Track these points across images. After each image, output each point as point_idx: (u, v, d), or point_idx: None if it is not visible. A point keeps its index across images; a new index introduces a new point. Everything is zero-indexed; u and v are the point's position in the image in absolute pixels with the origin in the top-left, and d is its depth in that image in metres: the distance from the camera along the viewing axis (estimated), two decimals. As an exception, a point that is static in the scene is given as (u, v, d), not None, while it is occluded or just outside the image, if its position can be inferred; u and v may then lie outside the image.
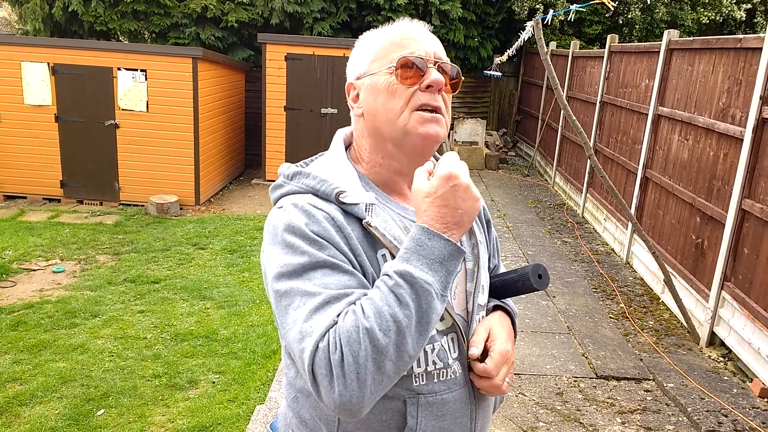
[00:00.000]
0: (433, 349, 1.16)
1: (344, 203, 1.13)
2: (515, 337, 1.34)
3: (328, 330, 0.99)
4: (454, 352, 1.20)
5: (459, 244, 1.05)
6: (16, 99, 7.59)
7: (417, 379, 1.16)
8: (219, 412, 3.52)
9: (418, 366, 1.16)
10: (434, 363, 1.17)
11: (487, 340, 1.22)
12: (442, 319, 1.18)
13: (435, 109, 1.17)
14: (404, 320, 0.98)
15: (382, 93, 1.19)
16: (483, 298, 1.29)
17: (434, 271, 1.02)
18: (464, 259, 1.26)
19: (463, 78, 1.25)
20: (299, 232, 1.09)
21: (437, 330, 1.18)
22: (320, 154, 1.31)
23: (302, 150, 9.02)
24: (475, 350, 1.19)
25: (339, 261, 1.07)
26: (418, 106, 1.16)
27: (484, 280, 1.30)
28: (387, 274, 1.02)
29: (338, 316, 1.00)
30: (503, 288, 1.35)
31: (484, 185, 9.76)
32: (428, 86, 1.16)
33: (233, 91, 9.53)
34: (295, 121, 9.09)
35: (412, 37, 1.21)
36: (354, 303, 1.02)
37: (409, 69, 1.17)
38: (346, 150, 1.30)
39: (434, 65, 1.18)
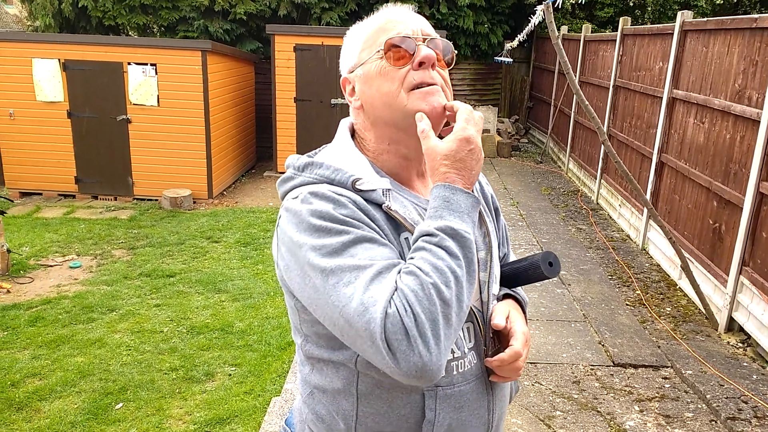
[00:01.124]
0: None
1: (361, 191, 1.12)
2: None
3: (392, 296, 0.97)
4: (470, 341, 1.19)
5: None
6: (29, 96, 7.64)
7: None
8: (235, 404, 3.55)
9: None
10: (452, 352, 1.16)
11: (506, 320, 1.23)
12: None
13: (432, 85, 1.15)
14: (459, 270, 1.01)
15: (376, 79, 1.17)
16: (496, 287, 1.27)
17: (466, 222, 1.06)
18: (477, 249, 1.23)
19: (456, 52, 1.23)
20: (328, 216, 1.06)
21: None
22: (324, 146, 1.29)
23: (313, 141, 9.00)
24: (500, 319, 1.20)
25: (377, 236, 1.07)
26: (414, 85, 1.14)
27: (497, 269, 1.28)
28: (428, 233, 1.04)
29: (395, 281, 0.99)
30: (514, 277, 1.33)
31: (496, 173, 9.70)
32: (420, 63, 1.14)
33: (243, 83, 9.53)
34: (306, 112, 9.07)
35: (396, 19, 1.19)
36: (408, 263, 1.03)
37: (398, 49, 1.15)
38: (354, 138, 1.28)
39: (423, 42, 1.16)
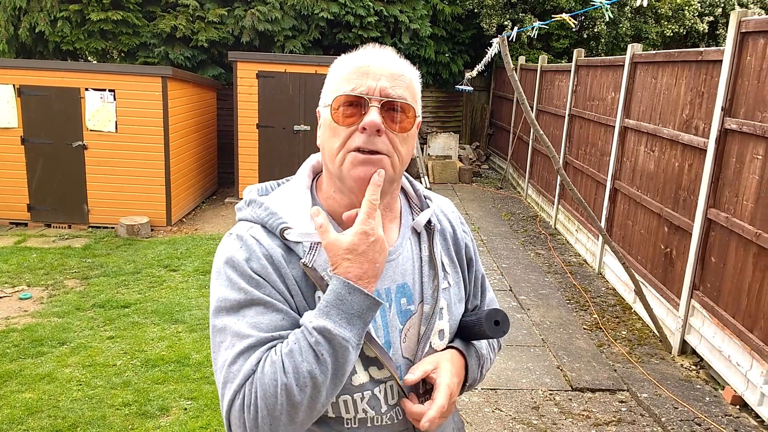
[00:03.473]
0: (363, 398, 1.15)
1: (287, 240, 1.12)
2: (469, 382, 1.29)
3: (246, 381, 1.02)
4: (392, 399, 1.18)
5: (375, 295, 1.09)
6: (-20, 122, 7.43)
7: (349, 422, 1.15)
8: (191, 439, 3.45)
9: (347, 412, 1.15)
10: (365, 411, 1.15)
11: (432, 372, 1.19)
12: (380, 367, 1.15)
13: (373, 153, 1.11)
14: (320, 376, 1.01)
15: (327, 129, 1.17)
16: (441, 343, 1.25)
17: (352, 325, 1.04)
18: (422, 302, 1.23)
19: (419, 117, 1.19)
20: (239, 269, 1.10)
21: (371, 377, 1.15)
22: (289, 177, 1.29)
23: (276, 167, 8.97)
24: (411, 376, 1.16)
25: (273, 300, 1.08)
26: (354, 147, 1.11)
27: (445, 324, 1.26)
28: (307, 330, 1.03)
29: (258, 363, 1.03)
30: (463, 330, 1.30)
31: (458, 199, 9.81)
32: (363, 128, 1.10)
33: (205, 109, 9.47)
34: (268, 138, 9.06)
35: (362, 70, 1.13)
36: (279, 346, 1.04)
37: (347, 108, 1.12)
38: (315, 177, 1.27)
39: (378, 104, 1.10)
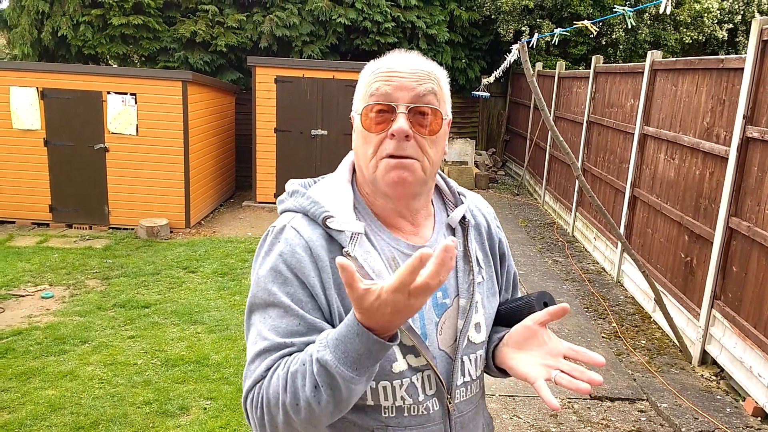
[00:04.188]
0: (402, 385, 1.16)
1: (330, 228, 1.16)
2: None
3: (258, 383, 1.10)
4: (430, 389, 1.19)
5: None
6: (5, 124, 7.57)
7: (386, 411, 1.17)
8: (211, 439, 3.48)
9: (386, 399, 1.16)
10: (403, 399, 1.17)
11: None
12: (417, 355, 1.17)
13: (402, 158, 1.14)
14: (317, 406, 1.03)
15: (359, 137, 1.20)
16: (479, 336, 1.27)
17: (358, 364, 0.99)
18: (458, 295, 1.25)
19: (448, 117, 1.21)
20: (274, 266, 1.15)
21: (409, 365, 1.17)
22: (328, 174, 1.32)
23: (293, 171, 9.03)
24: (552, 400, 1.05)
25: (293, 303, 1.12)
26: (386, 154, 1.14)
27: (481, 318, 1.28)
28: (315, 358, 1.02)
29: (269, 370, 1.09)
30: (510, 316, 1.32)
31: (474, 205, 9.79)
32: (392, 134, 1.13)
33: (223, 113, 9.56)
34: (286, 142, 9.12)
35: (389, 76, 1.16)
36: (288, 359, 1.09)
37: (377, 114, 1.15)
38: (354, 173, 1.29)
39: (406, 110, 1.13)
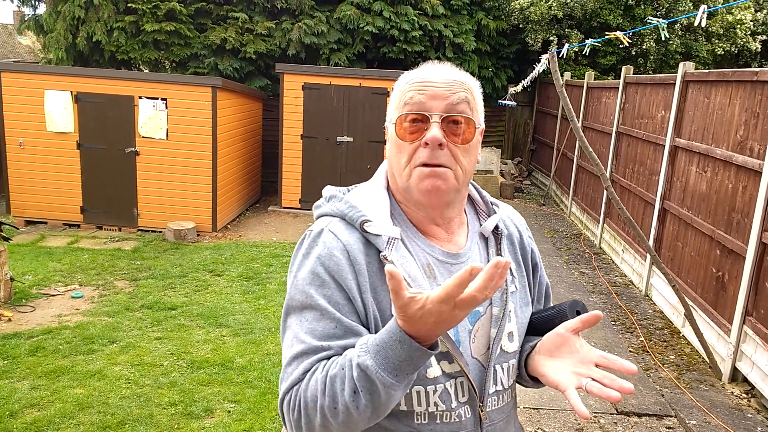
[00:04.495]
0: (435, 390, 1.17)
1: (367, 232, 1.17)
2: None
3: (295, 386, 1.10)
4: (463, 396, 1.19)
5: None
6: (39, 126, 7.76)
7: (419, 417, 1.17)
8: (235, 442, 3.50)
9: (419, 405, 1.17)
10: (436, 405, 1.17)
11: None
12: (451, 362, 1.18)
13: (436, 167, 1.16)
14: (355, 410, 1.04)
15: (393, 146, 1.23)
16: (512, 345, 1.27)
17: (399, 370, 1.00)
18: (491, 304, 1.26)
19: (481, 125, 1.23)
20: (312, 268, 1.16)
21: (443, 371, 1.17)
22: (365, 182, 1.35)
23: (318, 178, 9.09)
24: (582, 409, 1.03)
25: (330, 306, 1.13)
26: (420, 162, 1.17)
27: (514, 327, 1.28)
28: (356, 363, 1.03)
29: (306, 373, 1.09)
30: (542, 325, 1.32)
31: (498, 214, 9.74)
32: (426, 143, 1.16)
33: (251, 119, 9.67)
34: (312, 149, 9.19)
35: (422, 86, 1.18)
36: (326, 362, 1.09)
37: (411, 124, 1.17)
38: (389, 182, 1.31)
39: (439, 119, 1.16)
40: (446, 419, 1.18)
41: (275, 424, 3.69)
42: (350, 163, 9.19)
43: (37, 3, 12.07)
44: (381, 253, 1.16)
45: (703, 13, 3.68)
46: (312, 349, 1.11)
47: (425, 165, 1.16)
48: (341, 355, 1.09)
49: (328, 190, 1.30)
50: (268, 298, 5.76)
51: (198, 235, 7.88)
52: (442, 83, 1.18)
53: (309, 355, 1.11)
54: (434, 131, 1.15)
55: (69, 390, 3.99)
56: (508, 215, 1.40)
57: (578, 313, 1.24)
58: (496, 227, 1.32)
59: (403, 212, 1.26)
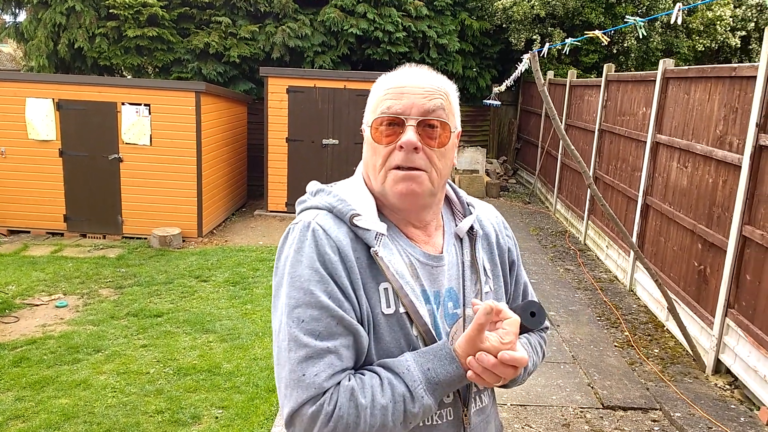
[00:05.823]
0: None
1: (357, 226, 1.16)
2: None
3: (317, 399, 1.07)
4: (447, 397, 1.22)
5: None
6: (21, 135, 7.68)
7: None
8: (222, 448, 3.49)
9: None
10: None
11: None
12: None
13: (411, 170, 1.17)
14: (390, 425, 1.11)
15: (369, 148, 1.23)
16: None
17: (440, 396, 1.16)
18: (465, 305, 1.27)
19: (457, 129, 1.24)
20: (309, 264, 1.13)
21: None
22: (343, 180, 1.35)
23: (304, 180, 9.04)
24: (481, 305, 1.12)
25: (331, 302, 1.11)
26: (394, 165, 1.17)
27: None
28: (411, 397, 1.12)
29: (326, 392, 1.08)
30: None
31: (485, 213, 9.77)
32: (401, 146, 1.16)
33: (236, 123, 9.64)
34: (297, 152, 9.18)
35: (399, 90, 1.19)
36: (358, 381, 1.10)
37: (386, 127, 1.18)
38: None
39: (415, 122, 1.16)
40: (428, 422, 1.19)
41: (263, 429, 3.68)
42: (336, 166, 9.19)
43: (17, 11, 11.95)
44: (372, 249, 1.16)
45: (679, 11, 3.71)
46: (317, 353, 1.09)
47: (399, 168, 1.16)
48: (345, 356, 1.11)
49: (314, 185, 1.30)
50: (255, 302, 5.75)
51: (184, 240, 7.84)
52: (418, 87, 1.19)
53: (315, 360, 1.09)
54: (409, 135, 1.15)
55: (54, 400, 3.96)
56: (485, 215, 1.41)
57: (532, 315, 1.24)
58: (471, 228, 1.33)
59: (382, 213, 1.26)
